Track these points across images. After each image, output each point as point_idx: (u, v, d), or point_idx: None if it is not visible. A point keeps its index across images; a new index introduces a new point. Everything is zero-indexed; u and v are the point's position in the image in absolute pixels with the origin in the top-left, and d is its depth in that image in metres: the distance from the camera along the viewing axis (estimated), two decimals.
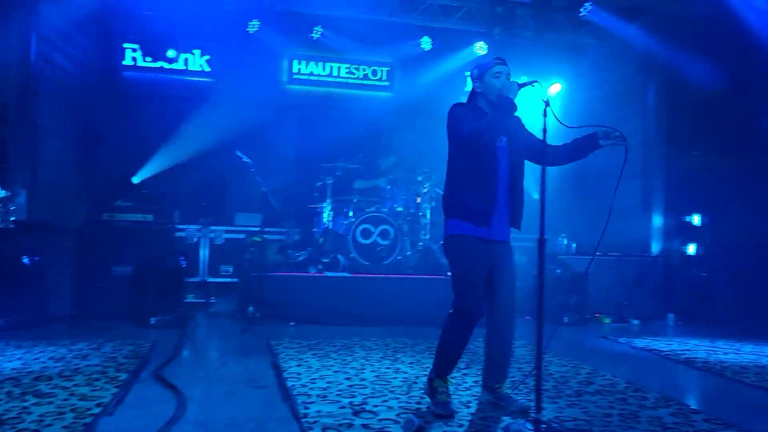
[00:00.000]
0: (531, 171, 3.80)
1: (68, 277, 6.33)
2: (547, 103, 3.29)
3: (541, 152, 3.39)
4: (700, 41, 8.03)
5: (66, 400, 3.58)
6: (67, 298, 6.28)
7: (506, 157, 3.59)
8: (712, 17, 8.01)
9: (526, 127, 3.78)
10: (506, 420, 3.48)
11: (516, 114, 3.52)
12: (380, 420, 3.40)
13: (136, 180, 8.33)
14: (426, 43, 8.75)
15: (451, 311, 3.58)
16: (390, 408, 3.63)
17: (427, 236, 7.81)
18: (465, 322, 3.53)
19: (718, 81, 7.95)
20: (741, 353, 5.76)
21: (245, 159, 6.72)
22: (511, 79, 3.55)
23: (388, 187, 7.94)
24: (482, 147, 3.48)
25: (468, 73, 10.04)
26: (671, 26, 8.33)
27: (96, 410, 3.39)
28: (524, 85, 3.42)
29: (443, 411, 3.51)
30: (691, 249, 8.03)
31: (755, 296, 7.85)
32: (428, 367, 4.66)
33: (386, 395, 3.90)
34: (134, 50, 9.04)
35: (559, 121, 3.35)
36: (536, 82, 3.38)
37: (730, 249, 8.13)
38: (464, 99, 3.76)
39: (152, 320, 6.09)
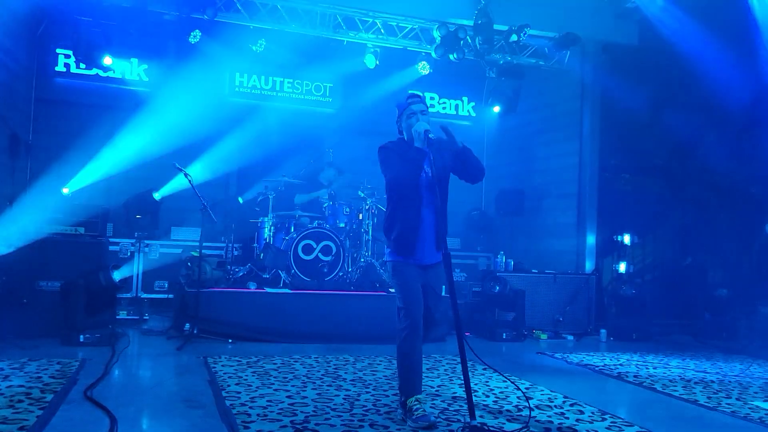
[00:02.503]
0: (469, 188, 4.06)
1: None
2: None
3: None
4: (631, 69, 8.44)
5: None
6: None
7: (430, 188, 3.87)
8: (642, 47, 8.44)
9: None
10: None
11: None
12: None
13: (66, 191, 7.98)
14: (370, 60, 8.81)
15: (398, 327, 3.81)
16: (332, 426, 3.58)
17: (369, 253, 7.80)
18: (411, 329, 3.76)
19: (647, 107, 8.37)
20: (669, 367, 6.00)
21: (184, 171, 6.54)
22: (432, 117, 3.96)
23: (330, 202, 7.90)
24: (405, 186, 3.86)
25: (411, 93, 10.22)
26: (604, 54, 8.72)
27: None
28: (425, 134, 3.74)
29: (424, 423, 3.62)
30: (622, 267, 8.33)
31: (680, 312, 8.24)
32: (370, 384, 4.67)
33: (328, 413, 3.85)
34: (67, 56, 8.69)
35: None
36: (430, 133, 3.75)
37: (658, 267, 8.52)
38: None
39: (81, 338, 5.79)
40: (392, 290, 4.04)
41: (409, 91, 4.33)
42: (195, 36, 7.77)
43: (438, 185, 3.80)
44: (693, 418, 4.30)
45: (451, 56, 8.21)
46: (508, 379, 4.81)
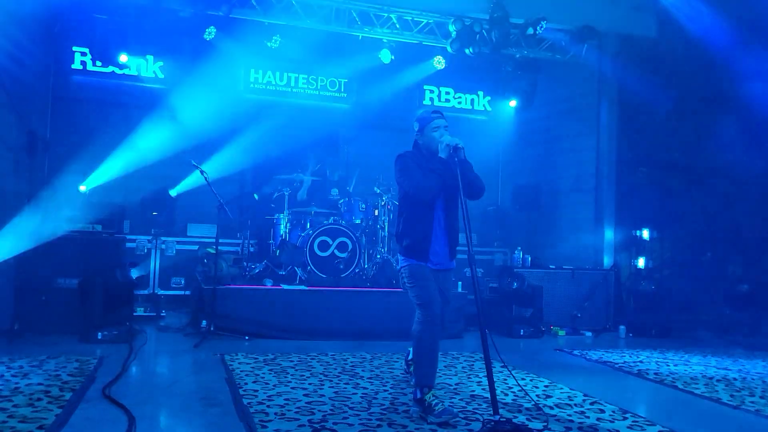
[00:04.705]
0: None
1: (9, 290, 6.01)
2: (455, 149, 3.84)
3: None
4: (649, 62, 8.30)
5: (4, 422, 3.36)
6: (7, 311, 5.94)
7: (443, 202, 4.02)
8: (661, 39, 8.30)
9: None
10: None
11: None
12: None
13: (83, 188, 8.03)
14: (385, 56, 8.75)
15: (417, 321, 3.91)
16: (350, 425, 3.56)
17: (385, 249, 7.76)
18: (432, 323, 3.86)
19: (665, 100, 8.23)
20: (689, 364, 5.91)
21: (200, 168, 6.54)
22: (449, 132, 3.99)
23: (346, 198, 7.87)
24: (424, 195, 3.96)
25: (426, 87, 10.15)
26: (622, 47, 8.58)
27: None
28: (455, 147, 3.83)
29: (448, 416, 3.65)
30: (641, 262, 8.22)
31: (701, 308, 8.11)
32: (388, 381, 4.64)
33: (346, 412, 3.82)
34: (83, 54, 8.74)
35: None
36: (462, 148, 3.85)
37: (678, 262, 8.39)
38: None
39: (99, 335, 5.82)
40: (405, 290, 4.09)
41: (420, 106, 4.40)
42: (210, 33, 7.78)
43: (455, 195, 3.90)
44: (716, 416, 4.22)
45: (466, 50, 8.14)
46: (518, 384, 4.75)
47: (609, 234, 8.53)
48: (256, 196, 8.30)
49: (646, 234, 8.41)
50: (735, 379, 5.31)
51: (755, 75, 7.27)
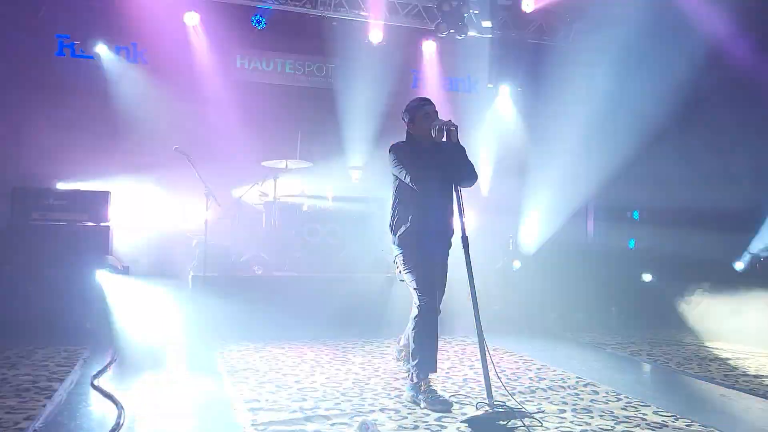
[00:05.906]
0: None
1: None
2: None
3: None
4: (642, 44, 8.22)
5: None
6: None
7: (437, 189, 3.89)
8: (653, 20, 8.21)
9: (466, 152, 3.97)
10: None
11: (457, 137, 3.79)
12: (333, 425, 3.29)
13: (68, 179, 7.92)
14: (374, 39, 8.65)
15: (415, 306, 3.82)
16: (342, 411, 3.52)
17: (376, 234, 7.70)
18: (429, 308, 3.77)
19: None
20: (682, 345, 5.91)
21: (186, 155, 6.44)
22: (439, 119, 3.89)
23: (336, 184, 7.79)
24: (419, 183, 3.85)
25: (414, 72, 10.05)
26: (612, 28, 8.49)
27: (24, 424, 3.16)
28: (445, 127, 3.73)
29: (443, 407, 3.60)
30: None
31: None
32: (379, 367, 4.61)
33: (338, 398, 3.79)
34: (67, 41, 8.58)
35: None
36: (454, 126, 3.74)
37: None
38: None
39: (88, 325, 5.75)
40: (398, 271, 4.00)
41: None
42: (192, 18, 7.64)
43: (448, 181, 3.81)
44: (709, 396, 4.22)
45: (456, 34, 8.05)
46: (499, 376, 4.72)
47: None
48: (241, 197, 8.18)
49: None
50: (728, 358, 5.32)
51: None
